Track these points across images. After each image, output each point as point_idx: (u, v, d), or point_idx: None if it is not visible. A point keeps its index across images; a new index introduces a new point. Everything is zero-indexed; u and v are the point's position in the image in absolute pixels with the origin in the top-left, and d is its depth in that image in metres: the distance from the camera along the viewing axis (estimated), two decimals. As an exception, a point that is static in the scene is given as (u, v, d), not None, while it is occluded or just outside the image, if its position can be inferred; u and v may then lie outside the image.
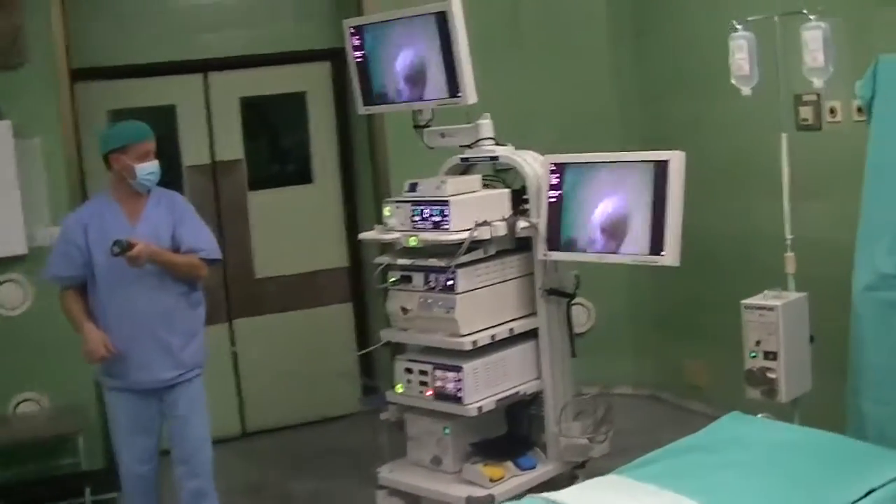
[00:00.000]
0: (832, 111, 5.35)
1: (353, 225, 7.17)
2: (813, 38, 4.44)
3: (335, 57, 7.00)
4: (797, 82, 4.95)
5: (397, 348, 6.30)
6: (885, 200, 4.36)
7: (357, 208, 7.17)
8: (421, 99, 5.08)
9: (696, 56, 6.45)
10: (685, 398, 6.82)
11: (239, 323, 6.80)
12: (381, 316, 6.85)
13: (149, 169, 4.65)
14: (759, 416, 4.06)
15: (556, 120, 6.83)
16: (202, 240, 4.79)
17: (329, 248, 7.15)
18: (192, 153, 6.64)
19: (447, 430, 4.94)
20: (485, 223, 4.78)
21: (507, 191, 5.07)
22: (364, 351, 5.82)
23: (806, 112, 5.47)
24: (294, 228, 6.99)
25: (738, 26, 4.74)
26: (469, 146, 5.23)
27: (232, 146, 6.88)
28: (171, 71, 6.68)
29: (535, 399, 5.13)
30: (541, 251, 4.90)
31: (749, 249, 5.96)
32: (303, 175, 7.18)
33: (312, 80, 7.07)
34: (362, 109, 5.39)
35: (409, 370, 4.99)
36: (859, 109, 5.13)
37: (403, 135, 6.36)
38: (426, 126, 5.32)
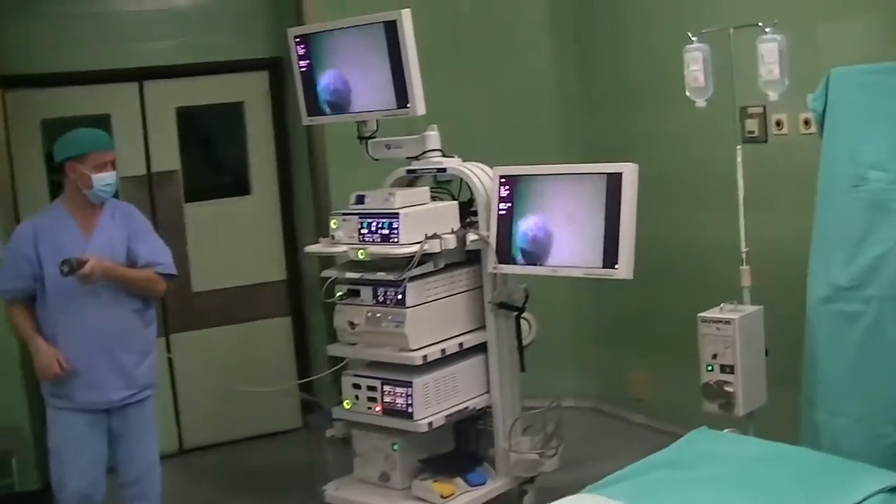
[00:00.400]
0: (778, 124, 5.37)
1: (291, 237, 7.06)
2: (769, 50, 4.44)
3: (273, 67, 6.92)
4: (745, 95, 4.96)
5: (337, 363, 6.26)
6: (838, 213, 4.36)
7: (295, 220, 7.05)
8: (369, 109, 5.00)
9: (639, 68, 6.47)
10: (628, 410, 6.81)
11: (176, 337, 6.65)
12: (319, 330, 6.81)
13: (107, 180, 4.53)
14: (726, 431, 4.04)
15: (498, 132, 6.80)
16: (159, 254, 4.68)
17: (267, 260, 7.03)
18: (128, 164, 6.44)
19: (396, 446, 4.87)
20: (435, 236, 4.73)
21: (455, 203, 5.02)
22: (316, 377, 5.68)
23: (752, 125, 5.49)
24: (231, 241, 6.86)
25: (693, 38, 4.74)
26: (416, 158, 5.17)
27: (168, 157, 6.73)
28: (105, 79, 6.50)
29: (483, 414, 5.08)
30: (491, 264, 4.86)
31: (694, 261, 5.98)
32: (240, 187, 7.04)
33: (250, 90, 6.94)
34: (307, 120, 5.30)
35: (356, 386, 4.92)
36: (806, 122, 5.20)
37: (343, 146, 6.32)
38: (371, 137, 5.25)
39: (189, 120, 6.87)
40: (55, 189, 5.89)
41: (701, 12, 5.89)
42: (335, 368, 5.12)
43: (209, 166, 7.24)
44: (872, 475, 3.17)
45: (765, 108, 5.23)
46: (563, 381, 6.85)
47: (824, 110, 4.48)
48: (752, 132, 5.50)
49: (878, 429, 4.15)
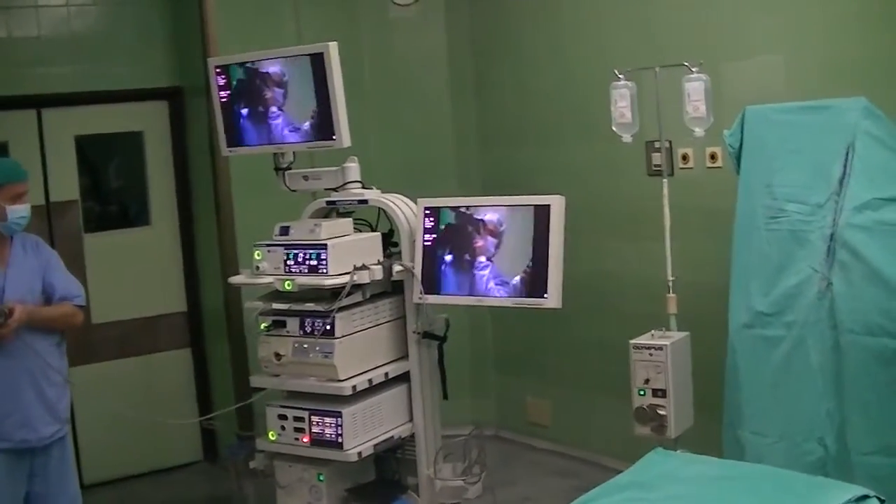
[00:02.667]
0: (684, 157, 5.57)
1: (191, 268, 6.99)
2: (695, 89, 4.64)
3: (172, 96, 6.86)
4: (648, 130, 5.16)
5: (243, 394, 6.21)
6: (757, 244, 4.57)
7: (196, 251, 6.98)
8: (292, 141, 5.01)
9: (536, 104, 6.64)
10: (529, 436, 6.93)
11: (75, 370, 6.45)
12: (220, 361, 6.74)
13: (21, 212, 4.44)
14: (679, 451, 4.18)
15: (396, 164, 6.87)
16: (73, 286, 4.61)
17: (167, 292, 6.94)
18: (25, 193, 6.31)
19: (321, 477, 4.87)
20: (364, 267, 4.76)
21: (378, 234, 5.07)
22: (240, 405, 5.62)
23: (657, 158, 5.68)
24: (131, 272, 6.75)
25: (620, 76, 4.90)
26: (334, 189, 5.19)
27: (67, 186, 6.60)
28: (2, 105, 6.33)
29: (401, 442, 5.12)
30: (416, 294, 4.91)
31: (594, 291, 6.13)
32: (140, 217, 6.95)
33: (150, 119, 6.86)
34: (226, 151, 5.28)
35: (282, 416, 4.89)
36: (712, 156, 5.42)
37: (246, 177, 6.31)
38: (287, 168, 5.25)
39: (88, 149, 6.76)
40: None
41: (593, 51, 6.17)
42: (253, 399, 5.08)
43: (108, 196, 7.11)
44: (836, 488, 3.31)
45: (670, 142, 5.41)
46: (462, 407, 6.94)
47: (740, 145, 4.69)
48: (658, 165, 5.69)
49: (801, 446, 4.38)
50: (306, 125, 4.92)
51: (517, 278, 4.63)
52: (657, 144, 5.57)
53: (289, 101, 4.97)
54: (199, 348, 7.05)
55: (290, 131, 4.99)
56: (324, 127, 4.87)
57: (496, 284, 4.71)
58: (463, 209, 4.83)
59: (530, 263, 4.60)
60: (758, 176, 4.62)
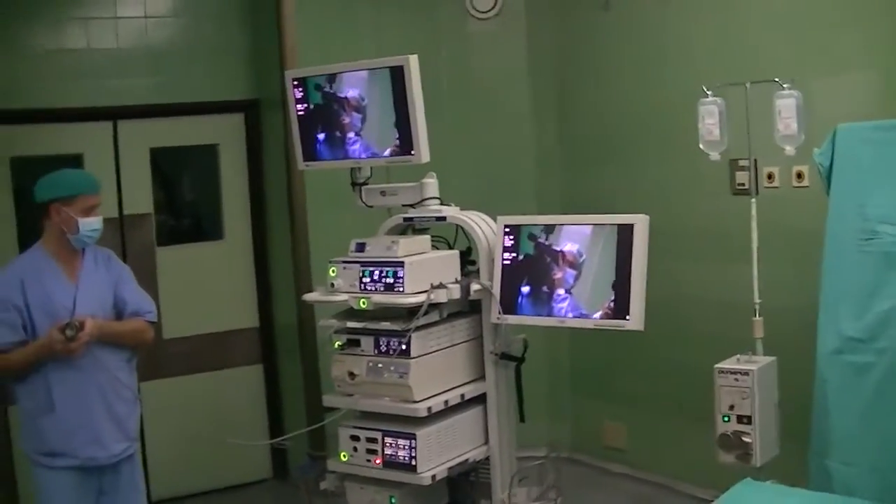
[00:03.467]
0: (769, 176, 5.41)
1: (264, 283, 6.94)
2: (786, 106, 4.50)
3: (248, 108, 6.84)
4: (735, 148, 5.01)
5: (314, 413, 6.14)
6: (848, 267, 4.43)
7: (269, 266, 6.93)
8: (370, 156, 4.92)
9: (618, 122, 6.52)
10: (605, 460, 6.78)
11: (146, 386, 6.44)
12: (292, 378, 6.68)
13: (93, 225, 4.38)
14: (769, 482, 4.03)
15: (475, 182, 6.74)
16: (145, 302, 4.56)
17: (239, 307, 6.90)
18: (100, 205, 6.31)
19: (394, 500, 4.75)
20: (441, 285, 4.65)
21: (456, 252, 4.96)
22: (314, 426, 5.52)
23: (742, 177, 5.52)
24: (203, 286, 6.73)
25: (709, 92, 4.77)
26: (412, 206, 5.09)
27: (141, 199, 6.59)
28: (78, 117, 6.36)
29: (476, 465, 5.00)
30: (494, 314, 4.79)
31: (673, 314, 5.96)
32: (213, 231, 6.93)
33: (225, 132, 6.84)
34: (302, 165, 5.19)
35: (355, 437, 4.78)
36: (799, 175, 5.26)
37: (321, 192, 6.25)
38: (364, 184, 5.17)
39: (162, 161, 6.75)
40: (26, 230, 5.73)
41: (677, 68, 6.03)
42: (328, 420, 4.97)
43: (182, 209, 7.11)
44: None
45: (755, 160, 5.25)
46: (538, 430, 6.82)
47: (831, 165, 4.54)
48: (743, 184, 5.54)
49: (892, 478, 4.21)
50: (384, 139, 4.83)
51: (599, 299, 4.49)
52: (742, 163, 5.43)
53: (367, 127, 4.88)
54: (271, 365, 7.00)
55: (367, 146, 4.90)
56: (403, 142, 4.77)
57: (574, 317, 4.58)
58: (542, 239, 4.69)
59: (613, 284, 4.46)
60: (849, 196, 4.47)
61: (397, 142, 4.77)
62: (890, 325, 4.26)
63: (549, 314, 4.65)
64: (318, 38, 6.51)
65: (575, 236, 4.61)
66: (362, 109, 4.88)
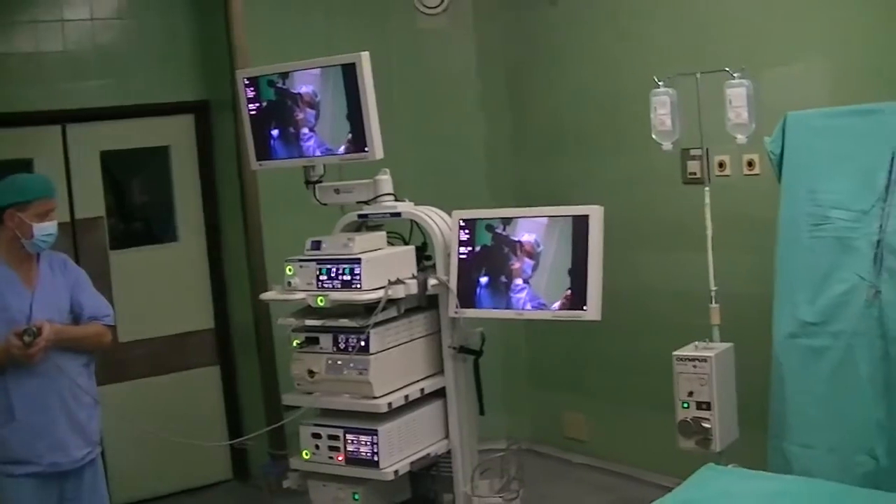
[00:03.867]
0: (721, 165, 5.46)
1: (219, 284, 6.91)
2: (737, 95, 4.55)
3: (199, 110, 6.79)
4: (686, 138, 5.05)
5: (273, 412, 6.12)
6: (801, 252, 4.47)
7: (224, 267, 6.90)
8: (326, 153, 4.91)
9: (569, 114, 6.55)
10: (565, 451, 6.82)
11: (102, 390, 6.38)
12: (249, 378, 6.66)
13: (48, 230, 4.34)
14: (731, 465, 4.07)
15: (428, 177, 6.75)
16: (102, 305, 4.53)
17: (195, 309, 6.86)
18: (50, 210, 6.24)
19: (357, 496, 4.76)
20: (398, 281, 4.67)
21: (412, 248, 4.97)
22: (275, 425, 5.50)
23: (693, 166, 5.57)
24: (158, 289, 6.68)
25: (660, 83, 4.81)
26: (366, 202, 5.10)
27: (92, 203, 6.52)
28: (27, 122, 6.27)
29: (437, 459, 5.02)
30: (452, 308, 4.81)
31: (629, 303, 6.00)
32: (167, 233, 6.88)
33: (176, 134, 6.79)
34: (255, 165, 5.19)
35: (316, 435, 4.79)
36: (749, 163, 5.31)
37: (274, 191, 6.24)
38: (318, 182, 5.17)
39: (113, 164, 6.69)
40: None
41: (627, 59, 6.09)
42: (288, 419, 4.96)
43: (134, 212, 7.04)
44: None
45: (707, 150, 5.29)
46: (497, 422, 6.85)
47: (782, 152, 4.59)
48: (694, 173, 5.59)
49: (851, 458, 4.27)
50: (340, 150, 4.83)
51: (556, 304, 4.53)
52: (693, 152, 5.47)
53: (321, 123, 4.88)
54: (228, 366, 6.96)
55: (321, 144, 4.90)
56: (356, 139, 4.77)
57: (533, 308, 4.61)
58: (500, 230, 4.72)
59: (569, 275, 4.49)
60: (801, 183, 4.53)
61: (350, 138, 4.78)
62: (844, 309, 4.31)
63: (508, 305, 4.68)
64: (268, 37, 6.47)
65: (532, 227, 4.65)
66: (316, 105, 4.88)
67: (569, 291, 4.49)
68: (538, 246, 4.61)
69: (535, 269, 4.61)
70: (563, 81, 6.62)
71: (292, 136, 4.97)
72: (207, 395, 6.89)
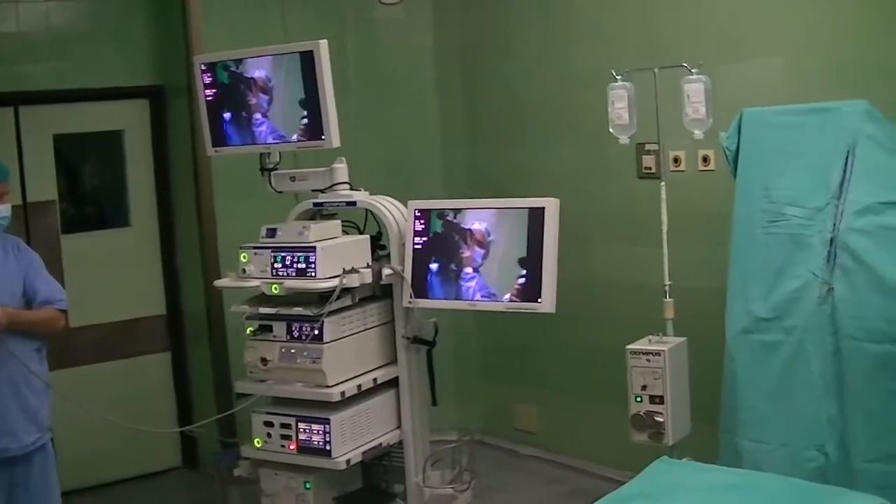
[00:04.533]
0: (676, 160, 5.49)
1: (171, 270, 6.86)
2: (695, 90, 4.58)
3: (154, 95, 6.73)
4: (640, 132, 5.06)
5: (223, 399, 6.08)
6: (755, 248, 4.50)
7: (176, 253, 6.85)
8: (281, 141, 4.89)
9: (524, 105, 6.56)
10: (515, 443, 6.83)
11: (52, 375, 6.31)
12: (200, 365, 6.62)
13: (2, 213, 4.31)
14: (684, 459, 4.09)
15: (381, 165, 6.74)
16: (56, 290, 4.48)
17: (147, 294, 6.81)
18: (1, 193, 6.16)
19: (308, 485, 4.75)
20: (353, 270, 4.66)
21: (367, 237, 4.97)
22: (228, 412, 5.42)
23: (649, 161, 5.60)
24: (110, 274, 6.60)
25: (618, 76, 4.83)
26: (322, 191, 5.08)
27: (45, 186, 6.44)
28: (-23, 104, 6.19)
29: (389, 449, 5.02)
30: (406, 298, 4.81)
31: (583, 295, 6.01)
32: (119, 218, 6.81)
33: (130, 119, 6.72)
34: (211, 151, 5.16)
35: (268, 423, 4.78)
36: (704, 159, 5.35)
37: (228, 178, 6.20)
38: (273, 169, 5.14)
39: (66, 148, 6.61)
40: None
41: (584, 52, 6.11)
42: (241, 406, 4.92)
43: (87, 197, 6.95)
44: (851, 497, 3.26)
45: (661, 145, 5.32)
46: (447, 414, 6.86)
47: (737, 148, 4.62)
48: (649, 168, 5.62)
49: (802, 453, 4.31)
50: (293, 125, 4.81)
51: (507, 295, 4.54)
52: (649, 147, 5.50)
53: (273, 108, 4.87)
54: (180, 352, 6.92)
55: (277, 131, 4.88)
56: (312, 127, 4.76)
57: (482, 297, 4.63)
58: (450, 217, 4.73)
59: (525, 267, 4.50)
60: (755, 179, 4.55)
61: (304, 126, 4.76)
62: (797, 305, 4.33)
63: (458, 294, 4.71)
64: (224, 24, 6.43)
65: (482, 215, 4.66)
66: (269, 91, 4.87)
67: (521, 282, 4.50)
68: (489, 235, 4.62)
69: (485, 257, 4.62)
70: (518, 73, 6.62)
71: (244, 120, 4.95)
72: (158, 382, 6.84)
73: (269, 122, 4.89)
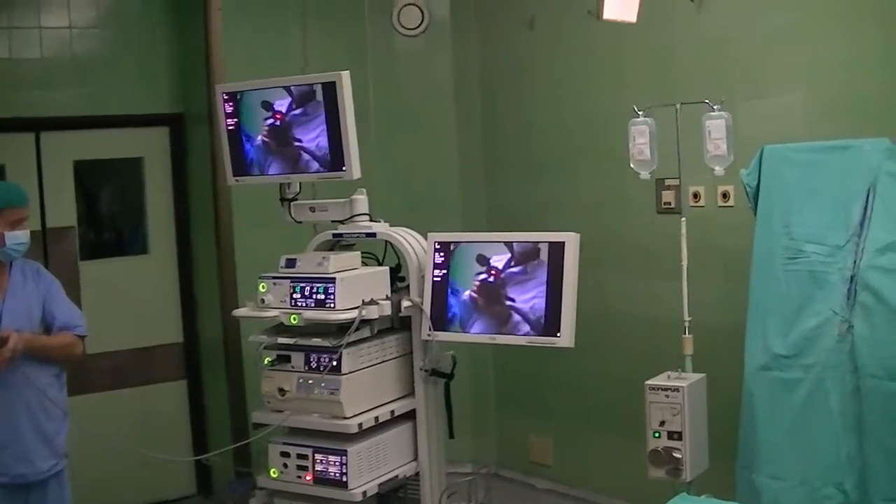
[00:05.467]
0: (695, 196, 5.49)
1: (188, 298, 6.87)
2: (716, 126, 4.58)
3: (174, 122, 6.77)
4: (660, 168, 5.06)
5: (239, 429, 6.07)
6: (775, 284, 4.51)
7: (194, 281, 6.86)
8: (302, 171, 4.90)
9: (543, 139, 6.57)
10: (530, 475, 6.81)
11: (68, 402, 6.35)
12: (216, 394, 6.61)
13: (20, 238, 4.32)
14: (704, 496, 4.08)
15: (401, 197, 6.78)
16: (75, 315, 4.49)
17: (164, 322, 6.82)
18: (21, 218, 6.18)
19: (323, 516, 4.74)
20: (372, 302, 4.66)
21: (386, 269, 4.96)
22: (245, 441, 5.40)
23: (668, 196, 5.60)
24: (128, 301, 6.63)
25: (640, 112, 4.84)
26: (341, 222, 5.09)
27: (64, 212, 6.47)
28: (0, 128, 6.21)
29: (405, 481, 5.00)
30: (425, 331, 4.80)
31: (598, 328, 5.97)
32: (137, 245, 6.84)
33: (150, 146, 6.76)
34: (231, 180, 5.15)
35: (285, 454, 4.76)
36: (724, 195, 5.35)
37: (247, 207, 6.21)
38: (293, 199, 5.15)
39: (86, 174, 6.65)
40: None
41: (603, 86, 6.12)
42: (258, 436, 4.91)
43: (106, 223, 6.99)
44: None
45: (680, 180, 5.32)
46: (462, 446, 6.84)
47: (758, 185, 4.63)
48: (669, 203, 5.62)
49: (820, 491, 4.32)
50: (315, 155, 4.82)
51: (530, 316, 4.53)
52: (668, 182, 5.51)
53: (297, 131, 4.85)
54: (195, 381, 6.92)
55: (298, 161, 4.88)
56: (333, 158, 4.77)
57: (507, 322, 4.61)
58: (474, 244, 4.72)
59: (544, 301, 4.49)
60: (776, 216, 4.57)
61: (325, 157, 4.77)
62: (816, 342, 4.34)
63: (482, 330, 4.67)
64: (245, 53, 6.45)
65: (506, 252, 4.64)
66: (290, 121, 4.86)
67: (544, 317, 4.50)
68: (514, 270, 4.61)
69: (511, 292, 4.61)
70: (537, 106, 6.64)
71: (270, 153, 4.94)
72: (173, 410, 6.84)
73: (297, 154, 4.89)
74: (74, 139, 6.52)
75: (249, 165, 5.03)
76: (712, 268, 5.36)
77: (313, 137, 4.82)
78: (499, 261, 4.63)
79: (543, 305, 4.50)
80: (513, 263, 4.58)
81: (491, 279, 4.64)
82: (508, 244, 4.63)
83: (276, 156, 4.94)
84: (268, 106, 4.90)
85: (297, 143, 4.87)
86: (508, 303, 4.60)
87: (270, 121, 4.91)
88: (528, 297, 4.55)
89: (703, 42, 5.55)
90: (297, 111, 4.84)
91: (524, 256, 4.55)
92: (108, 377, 6.59)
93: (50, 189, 6.43)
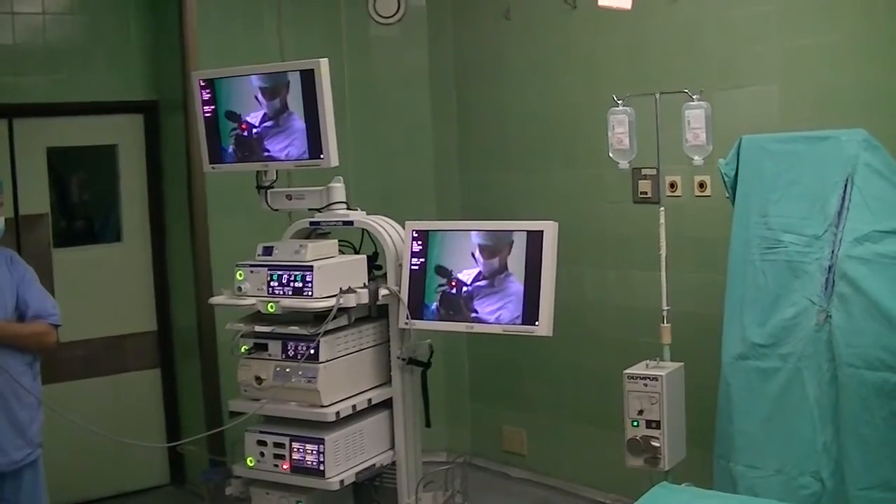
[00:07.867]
0: (672, 185, 5.50)
1: (162, 286, 6.82)
2: (695, 116, 4.60)
3: (148, 109, 6.71)
4: (638, 157, 5.06)
5: (213, 417, 6.05)
6: (752, 274, 4.52)
7: (167, 269, 6.82)
8: (278, 159, 4.88)
9: (518, 127, 6.56)
10: (504, 465, 6.82)
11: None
12: (190, 382, 6.58)
13: None
14: (684, 484, 4.09)
15: (376, 185, 6.78)
16: (48, 304, 4.45)
17: (137, 310, 6.77)
18: (-7, 205, 6.13)
19: (300, 504, 4.73)
20: (350, 290, 4.65)
21: (363, 257, 4.95)
22: (221, 429, 5.38)
23: (645, 185, 5.61)
24: (101, 289, 6.58)
25: (619, 101, 4.84)
26: (318, 210, 5.07)
27: (37, 199, 6.41)
28: (-30, 115, 6.16)
29: (381, 470, 4.99)
30: (402, 319, 4.79)
31: (573, 318, 6.00)
32: (111, 232, 6.79)
33: (124, 133, 6.70)
34: (208, 167, 5.12)
35: (262, 442, 4.75)
36: (701, 185, 5.36)
37: (221, 195, 6.18)
38: (270, 187, 5.12)
39: (60, 161, 6.58)
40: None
41: (579, 76, 6.12)
42: (234, 423, 4.89)
43: (79, 210, 6.91)
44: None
45: (657, 169, 5.33)
46: (436, 435, 6.83)
47: (736, 175, 4.64)
48: (645, 193, 5.63)
49: (796, 480, 4.34)
50: (292, 143, 4.80)
51: (508, 305, 4.54)
52: (645, 171, 5.52)
53: (274, 118, 4.84)
54: (169, 369, 6.88)
55: (275, 149, 4.86)
56: (312, 145, 4.75)
57: (485, 311, 4.61)
58: (452, 233, 4.72)
59: (522, 290, 4.49)
60: (753, 206, 4.58)
61: (302, 144, 4.75)
62: (794, 332, 4.36)
63: (459, 317, 4.67)
64: (220, 40, 6.43)
65: (485, 241, 4.64)
66: (267, 108, 4.84)
67: (522, 306, 4.49)
68: (491, 259, 4.61)
69: (489, 281, 4.61)
70: (513, 95, 6.63)
71: (246, 140, 4.92)
72: (147, 399, 6.80)
73: (271, 140, 4.87)
74: (48, 126, 6.45)
75: (226, 152, 5.00)
76: (688, 257, 5.38)
77: (282, 148, 4.83)
78: (467, 275, 4.64)
79: (509, 317, 4.52)
80: (481, 277, 4.60)
81: (453, 291, 4.65)
82: (487, 233, 4.62)
83: (253, 142, 4.91)
84: (234, 117, 4.90)
85: (265, 153, 4.87)
86: (473, 314, 4.62)
87: (237, 131, 4.90)
88: (494, 309, 4.58)
89: (679, 32, 5.55)
90: (269, 123, 4.83)
91: (492, 271, 4.58)
92: (81, 365, 6.54)
93: (23, 176, 6.36)
